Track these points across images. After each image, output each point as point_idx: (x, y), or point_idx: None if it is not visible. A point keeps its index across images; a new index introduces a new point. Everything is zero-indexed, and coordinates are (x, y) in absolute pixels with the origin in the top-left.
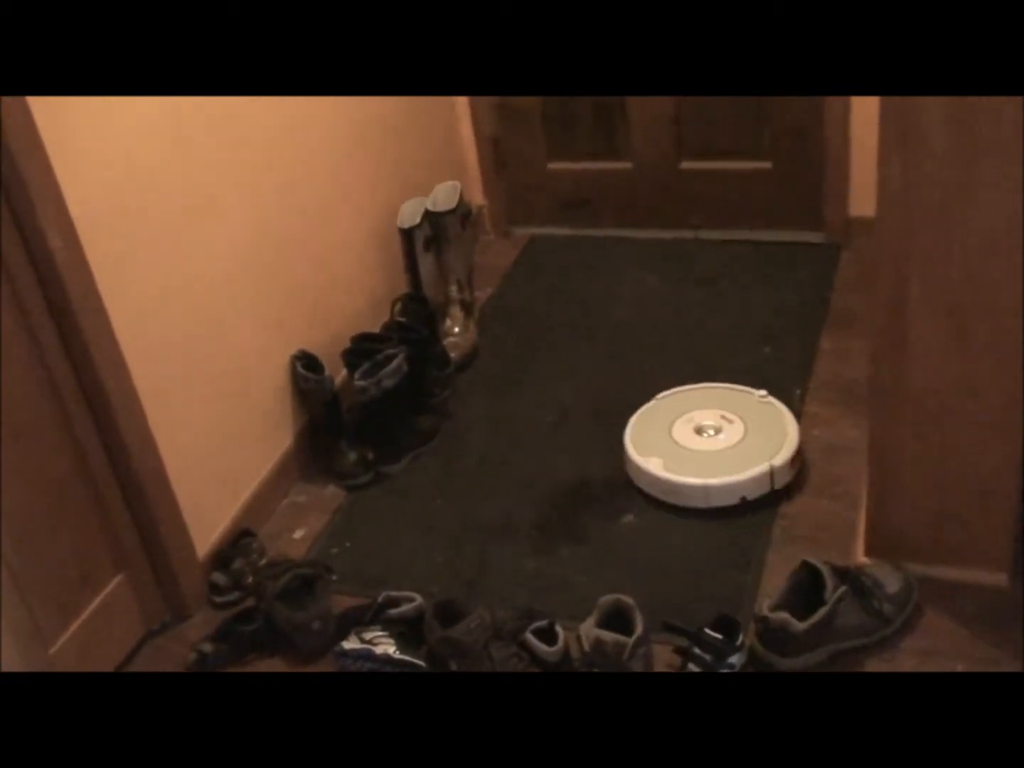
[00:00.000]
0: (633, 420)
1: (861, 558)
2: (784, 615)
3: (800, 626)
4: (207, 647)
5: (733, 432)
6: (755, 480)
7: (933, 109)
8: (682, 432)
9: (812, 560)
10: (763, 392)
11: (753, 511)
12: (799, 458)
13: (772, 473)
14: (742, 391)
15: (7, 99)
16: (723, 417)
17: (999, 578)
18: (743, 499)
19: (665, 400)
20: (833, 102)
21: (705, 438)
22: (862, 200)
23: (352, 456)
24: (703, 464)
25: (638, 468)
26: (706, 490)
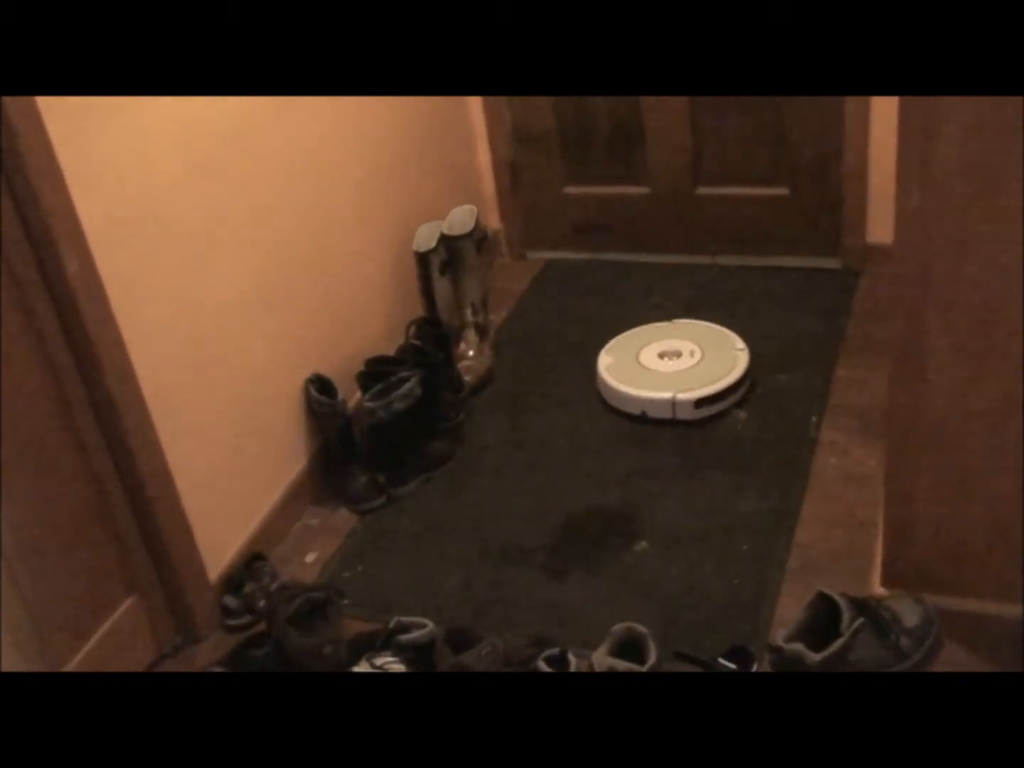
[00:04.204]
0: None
1: (878, 588)
2: (799, 646)
3: (815, 657)
4: (218, 671)
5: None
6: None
7: (952, 137)
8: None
9: (829, 591)
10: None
11: (767, 538)
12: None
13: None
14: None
15: (22, 121)
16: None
17: (1019, 611)
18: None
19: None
20: (853, 128)
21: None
22: (880, 227)
23: (363, 479)
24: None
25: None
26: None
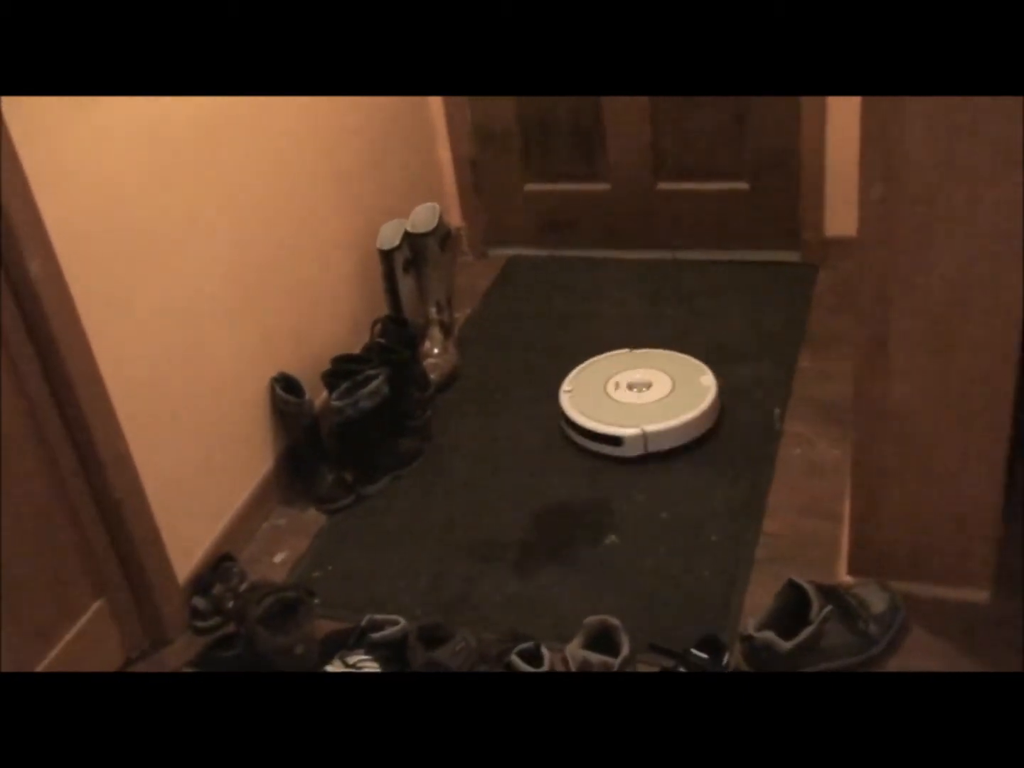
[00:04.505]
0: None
1: (844, 576)
2: (770, 634)
3: (786, 646)
4: (189, 671)
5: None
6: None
7: (915, 131)
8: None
9: (798, 580)
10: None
11: (735, 529)
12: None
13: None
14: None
15: None
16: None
17: (982, 596)
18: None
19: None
20: (809, 124)
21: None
22: (838, 221)
23: (330, 478)
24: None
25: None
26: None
